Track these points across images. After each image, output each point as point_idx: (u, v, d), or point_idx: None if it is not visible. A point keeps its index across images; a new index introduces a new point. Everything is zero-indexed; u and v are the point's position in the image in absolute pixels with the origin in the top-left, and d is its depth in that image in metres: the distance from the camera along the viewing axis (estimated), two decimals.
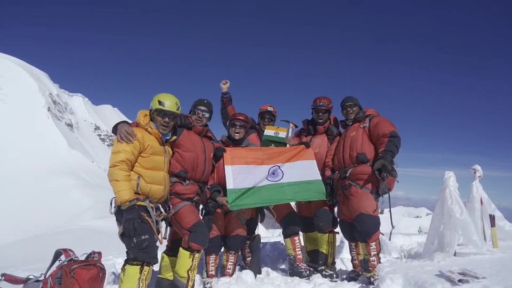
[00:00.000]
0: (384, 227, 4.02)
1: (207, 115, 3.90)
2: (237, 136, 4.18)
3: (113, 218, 3.27)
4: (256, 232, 4.58)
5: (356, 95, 4.32)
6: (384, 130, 3.90)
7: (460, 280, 2.81)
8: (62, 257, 3.36)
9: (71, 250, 3.42)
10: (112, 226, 3.36)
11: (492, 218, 4.53)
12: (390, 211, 4.15)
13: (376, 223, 3.84)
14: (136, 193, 3.20)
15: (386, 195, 4.14)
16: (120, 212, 3.11)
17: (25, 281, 3.39)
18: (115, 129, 3.30)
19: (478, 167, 4.64)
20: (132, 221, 3.02)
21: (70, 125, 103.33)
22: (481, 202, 4.55)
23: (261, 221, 4.66)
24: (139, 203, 3.16)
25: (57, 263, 3.37)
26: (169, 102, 3.39)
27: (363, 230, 3.79)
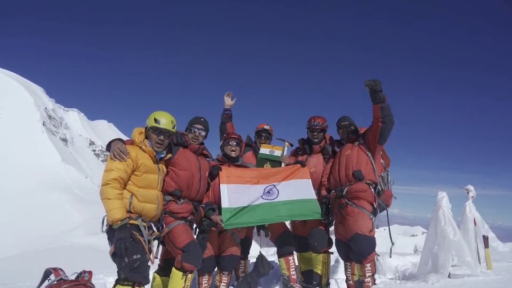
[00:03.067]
0: (380, 245, 4.00)
1: (203, 133, 3.91)
2: (233, 154, 4.19)
3: (105, 234, 3.23)
4: (251, 250, 4.52)
5: (351, 111, 4.40)
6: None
7: None
8: (52, 276, 3.31)
9: (61, 269, 3.37)
10: (103, 243, 3.32)
11: (485, 239, 4.54)
12: (389, 228, 4.14)
13: (372, 244, 3.81)
14: (129, 211, 3.17)
15: (382, 213, 4.15)
16: (112, 231, 3.08)
17: None
18: (109, 146, 3.30)
19: (471, 187, 4.68)
20: (124, 240, 2.98)
21: (64, 140, 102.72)
22: (475, 223, 4.57)
23: (259, 235, 4.54)
24: (131, 221, 3.13)
25: (46, 283, 3.32)
26: (165, 120, 3.40)
27: (358, 251, 3.77)
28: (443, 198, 4.27)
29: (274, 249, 4.65)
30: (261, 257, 4.37)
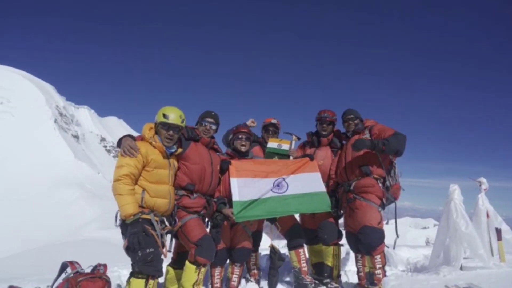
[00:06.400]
0: (389, 237, 3.99)
1: (214, 127, 3.93)
2: (243, 149, 4.22)
3: (118, 228, 3.30)
4: (262, 242, 4.55)
5: (361, 105, 4.33)
6: (388, 133, 3.93)
7: None
8: (68, 269, 3.39)
9: (77, 263, 3.46)
10: (117, 236, 3.39)
11: (498, 231, 4.49)
12: (395, 220, 4.13)
13: (380, 235, 3.82)
14: (141, 206, 3.23)
15: (392, 205, 4.13)
16: (125, 225, 3.14)
17: None
18: (119, 143, 3.35)
19: (483, 179, 4.62)
20: (137, 235, 3.05)
21: (76, 137, 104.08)
22: (487, 215, 4.52)
23: (272, 223, 4.51)
24: (144, 216, 3.19)
25: (63, 275, 3.41)
26: (174, 115, 3.43)
27: (367, 243, 3.78)
28: (455, 190, 4.23)
29: (284, 242, 4.68)
30: (273, 252, 4.38)
